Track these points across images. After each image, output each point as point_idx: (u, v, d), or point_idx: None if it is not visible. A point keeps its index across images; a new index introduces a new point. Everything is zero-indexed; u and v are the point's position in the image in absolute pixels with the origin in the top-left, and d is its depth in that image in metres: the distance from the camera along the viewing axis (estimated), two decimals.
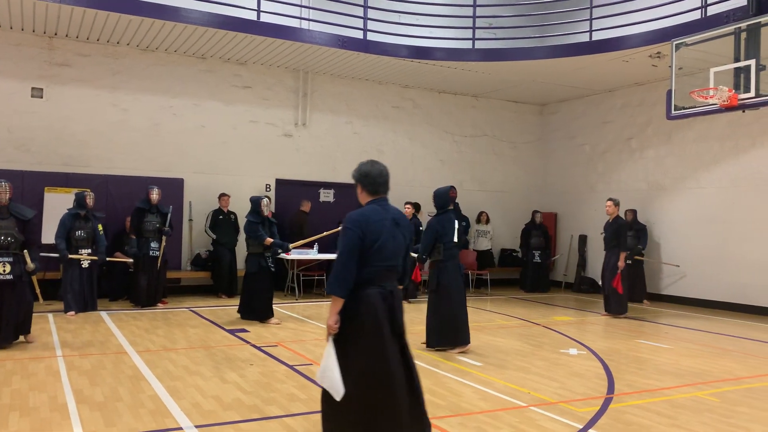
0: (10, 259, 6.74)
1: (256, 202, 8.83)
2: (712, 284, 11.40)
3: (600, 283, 10.37)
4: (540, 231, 13.65)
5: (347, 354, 3.59)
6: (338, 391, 3.50)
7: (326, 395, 3.61)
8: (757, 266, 10.71)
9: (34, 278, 7.55)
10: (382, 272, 3.73)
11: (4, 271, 6.70)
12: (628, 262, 11.86)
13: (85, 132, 10.91)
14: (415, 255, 7.48)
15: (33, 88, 10.54)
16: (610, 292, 10.04)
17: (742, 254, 10.94)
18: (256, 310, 8.64)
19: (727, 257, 11.18)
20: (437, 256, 7.10)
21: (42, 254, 8.01)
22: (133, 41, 10.88)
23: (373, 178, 3.85)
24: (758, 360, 7.00)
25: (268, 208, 8.75)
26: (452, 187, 7.44)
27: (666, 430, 4.45)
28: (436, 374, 5.94)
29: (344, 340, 3.62)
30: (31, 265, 6.85)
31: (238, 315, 8.82)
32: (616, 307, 10.04)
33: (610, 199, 10.32)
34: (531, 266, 13.61)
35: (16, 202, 7.05)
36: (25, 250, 6.83)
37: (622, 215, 12.26)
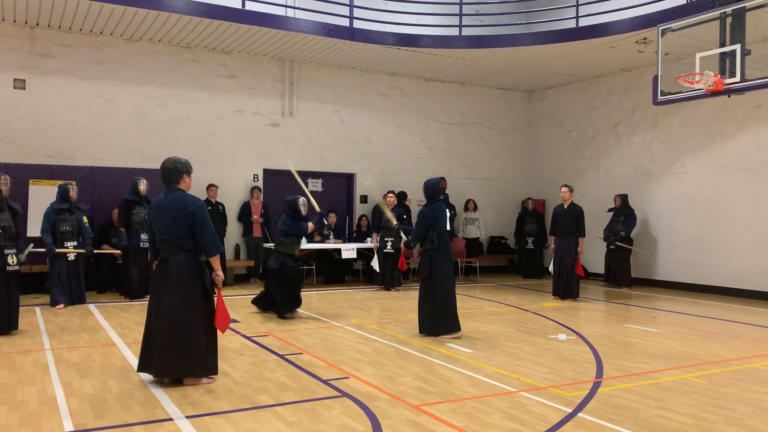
0: (14, 251, 6.93)
1: (293, 202, 8.49)
2: (699, 268, 11.50)
3: (551, 268, 10.38)
4: (534, 218, 13.74)
5: None
6: None
7: None
8: (742, 250, 10.82)
9: None
10: (161, 243, 5.12)
11: (13, 262, 6.89)
12: (611, 247, 12.04)
13: (69, 123, 10.78)
14: (406, 238, 7.56)
15: (15, 80, 10.40)
16: (573, 277, 10.11)
17: (728, 238, 11.04)
18: (274, 303, 8.42)
19: (713, 241, 11.28)
20: (430, 245, 7.14)
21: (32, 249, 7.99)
22: (117, 31, 10.75)
23: (161, 173, 5.24)
24: (744, 342, 7.08)
25: (305, 207, 8.61)
26: (442, 179, 7.50)
27: (654, 412, 4.50)
28: (427, 361, 5.96)
29: None
30: (23, 257, 6.98)
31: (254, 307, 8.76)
32: (576, 291, 10.19)
33: (565, 186, 10.33)
34: (525, 253, 13.69)
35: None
36: (31, 244, 7.00)
37: (600, 201, 12.43)
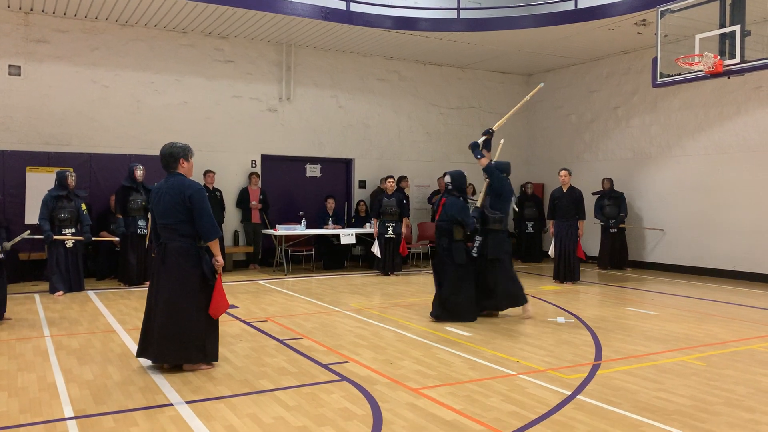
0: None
1: (461, 178, 7.50)
2: (697, 251, 11.51)
3: (552, 252, 10.37)
4: (533, 202, 13.77)
5: None
6: None
7: None
8: (741, 232, 10.82)
9: None
10: (161, 228, 5.12)
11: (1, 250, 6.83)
12: (613, 230, 12.11)
13: (66, 110, 10.72)
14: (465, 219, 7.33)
15: (10, 66, 10.32)
16: (574, 260, 10.14)
17: (727, 221, 11.04)
18: (461, 310, 7.03)
19: (713, 224, 11.28)
20: (497, 226, 7.34)
21: (28, 236, 7.97)
22: (112, 16, 10.65)
23: (160, 159, 5.25)
24: (742, 324, 7.10)
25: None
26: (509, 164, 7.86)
27: (653, 394, 4.51)
28: (426, 345, 5.97)
29: None
30: (8, 245, 6.91)
31: (432, 318, 7.16)
32: (577, 274, 10.24)
33: (564, 169, 10.33)
34: (524, 237, 13.73)
35: None
36: (28, 231, 6.94)
37: (599, 185, 12.48)
